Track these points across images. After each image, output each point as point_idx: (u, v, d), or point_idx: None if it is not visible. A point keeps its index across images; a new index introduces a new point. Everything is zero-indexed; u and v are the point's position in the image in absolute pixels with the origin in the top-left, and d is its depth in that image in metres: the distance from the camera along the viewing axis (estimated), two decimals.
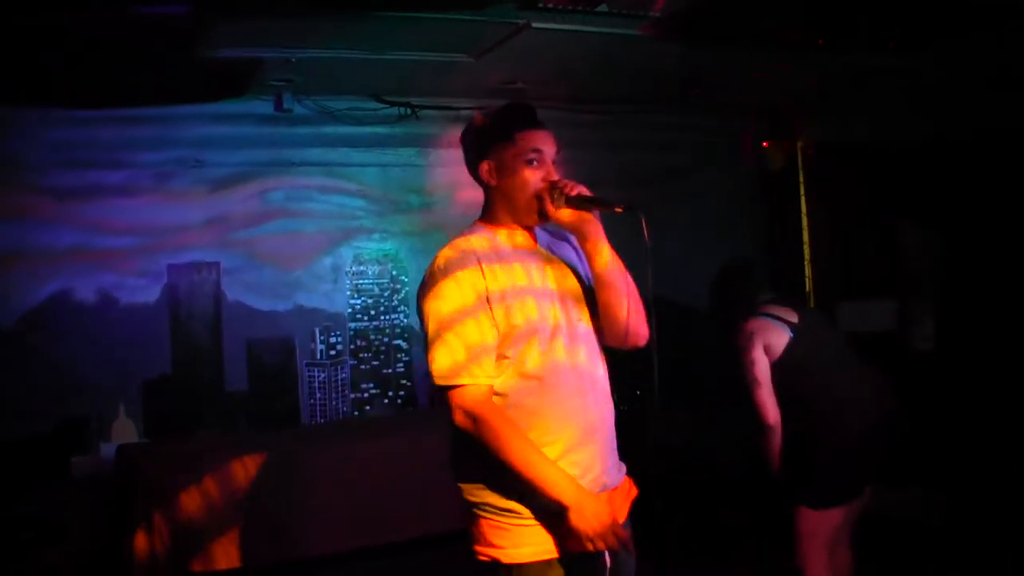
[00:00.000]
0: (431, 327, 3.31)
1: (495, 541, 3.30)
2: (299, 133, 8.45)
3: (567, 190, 3.37)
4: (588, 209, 3.37)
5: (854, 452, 5.05)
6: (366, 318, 9.53)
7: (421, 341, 3.46)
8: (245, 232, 8.86)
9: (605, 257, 3.41)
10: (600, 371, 3.51)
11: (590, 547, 3.14)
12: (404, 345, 9.70)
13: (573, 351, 3.39)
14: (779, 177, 9.45)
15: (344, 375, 9.47)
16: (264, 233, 8.94)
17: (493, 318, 3.29)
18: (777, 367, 5.14)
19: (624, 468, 3.60)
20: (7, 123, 7.55)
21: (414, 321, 9.58)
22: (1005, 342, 7.91)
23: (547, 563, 3.26)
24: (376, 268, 9.51)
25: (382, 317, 9.58)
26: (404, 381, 9.70)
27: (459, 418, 3.24)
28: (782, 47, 6.92)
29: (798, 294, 9.20)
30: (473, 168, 3.55)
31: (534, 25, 6.27)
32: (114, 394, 8.26)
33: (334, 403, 9.36)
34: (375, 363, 9.60)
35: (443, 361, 3.25)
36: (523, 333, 3.29)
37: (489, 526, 3.32)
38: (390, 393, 9.63)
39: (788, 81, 7.91)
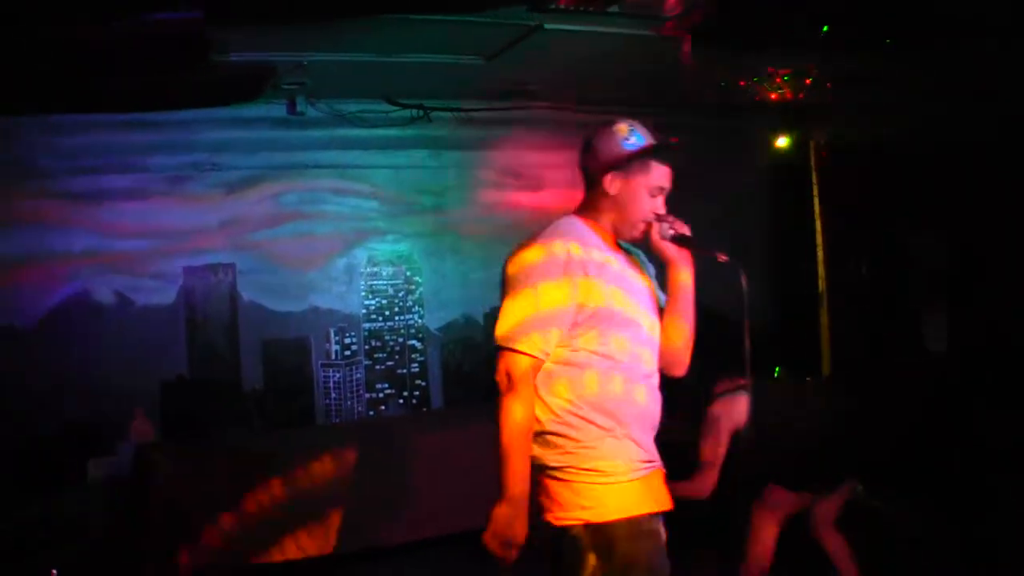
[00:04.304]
0: (512, 291, 3.47)
1: (581, 503, 3.40)
2: (312, 136, 8.50)
3: (675, 226, 3.57)
4: (690, 248, 3.59)
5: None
6: (380, 319, 9.56)
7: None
8: (260, 234, 8.91)
9: (688, 293, 3.65)
10: (656, 381, 3.66)
11: (484, 542, 3.35)
12: (419, 345, 9.73)
13: (650, 348, 3.61)
14: (791, 178, 9.45)
15: (359, 375, 9.51)
16: (279, 235, 8.99)
17: (579, 294, 3.42)
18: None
19: None
20: (23, 130, 7.62)
21: (428, 322, 9.65)
22: (1017, 342, 7.91)
23: (640, 519, 3.41)
24: (390, 269, 9.54)
25: (396, 318, 9.61)
26: (419, 381, 9.72)
27: (500, 377, 3.41)
28: (793, 47, 6.93)
29: (810, 297, 9.23)
30: (597, 171, 3.64)
31: (546, 26, 6.29)
32: (131, 395, 8.29)
33: (349, 403, 9.39)
34: (390, 363, 9.63)
35: (508, 322, 3.42)
36: (618, 318, 3.47)
37: (571, 489, 3.42)
38: (404, 393, 9.66)
39: (801, 81, 7.91)
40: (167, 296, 8.70)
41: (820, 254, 9.38)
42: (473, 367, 9.80)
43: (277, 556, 6.97)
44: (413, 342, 9.72)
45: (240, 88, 7.34)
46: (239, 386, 9.01)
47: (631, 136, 3.60)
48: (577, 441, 3.42)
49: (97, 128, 7.78)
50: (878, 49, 6.90)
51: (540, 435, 3.47)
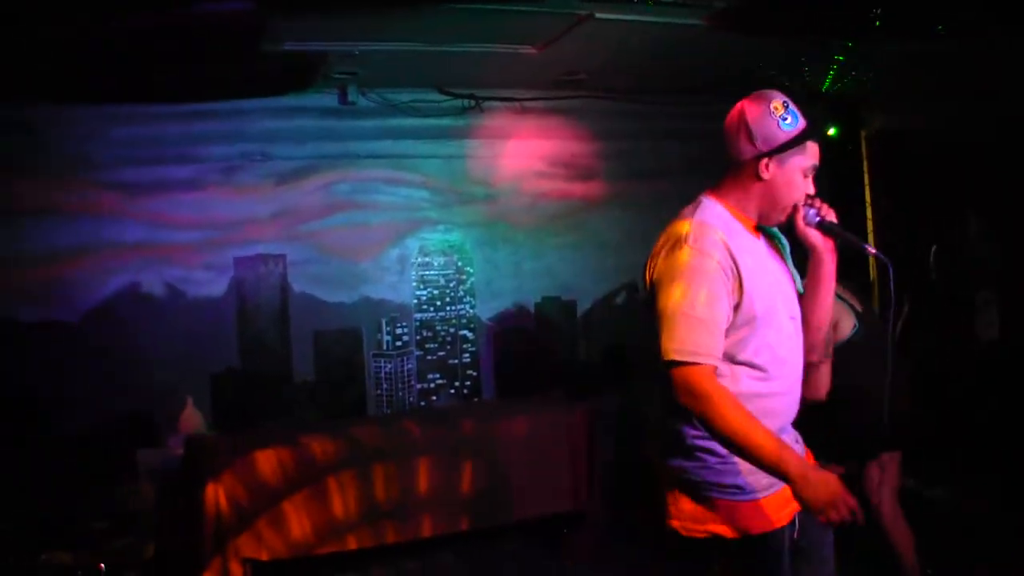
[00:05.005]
0: (671, 299, 3.27)
1: (714, 515, 3.41)
2: (364, 126, 8.52)
3: (823, 212, 3.43)
4: (837, 238, 3.45)
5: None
6: (432, 309, 9.56)
7: (646, 309, 3.43)
8: (311, 225, 8.92)
9: (830, 282, 3.54)
10: (801, 364, 3.60)
11: (823, 519, 3.11)
12: (470, 336, 9.72)
13: (791, 344, 3.51)
14: (842, 166, 9.37)
15: (410, 366, 9.51)
16: (330, 225, 8.99)
17: (731, 299, 3.32)
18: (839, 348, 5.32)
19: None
20: (75, 121, 7.68)
21: (480, 311, 9.63)
22: None
23: (770, 534, 3.39)
24: (442, 259, 9.53)
25: (448, 308, 9.60)
26: (470, 371, 9.71)
27: (683, 396, 3.21)
28: (842, 35, 6.88)
29: (861, 283, 9.15)
30: (750, 155, 3.44)
31: (597, 15, 6.26)
32: (181, 386, 8.35)
33: (400, 394, 9.40)
34: (441, 354, 9.62)
35: (678, 336, 3.23)
36: (760, 319, 3.36)
37: (708, 502, 3.41)
38: (456, 383, 9.66)
39: (850, 69, 7.84)
40: (218, 287, 8.71)
41: (871, 241, 9.30)
42: (525, 357, 9.78)
43: (334, 546, 6.99)
44: (465, 332, 9.71)
45: (292, 78, 7.37)
46: (290, 377, 9.02)
47: (787, 114, 3.39)
48: (721, 457, 3.37)
49: (151, 119, 7.84)
50: (929, 37, 6.82)
51: (685, 447, 3.44)
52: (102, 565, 6.81)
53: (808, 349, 3.60)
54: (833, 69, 7.83)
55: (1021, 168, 7.82)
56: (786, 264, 3.62)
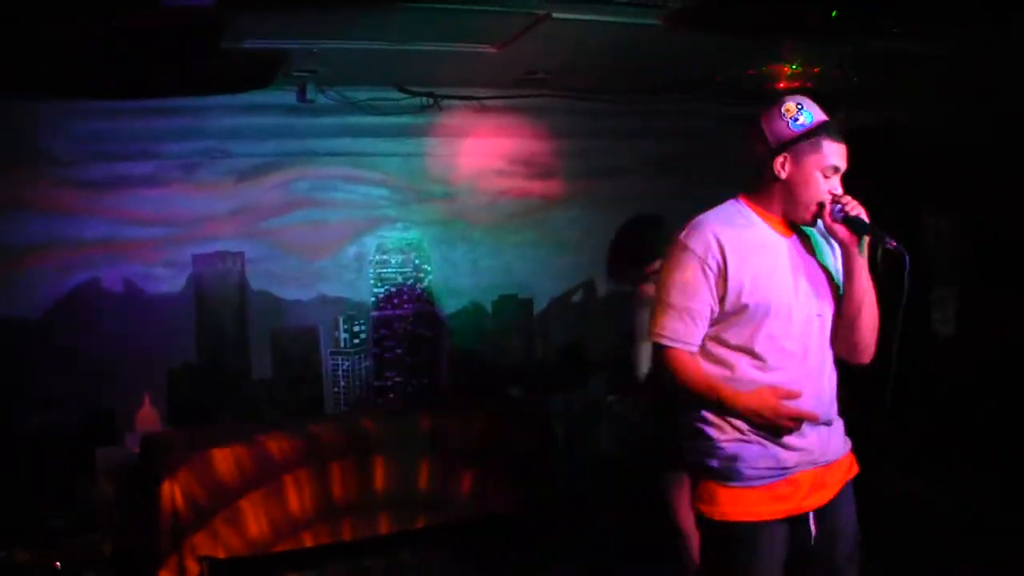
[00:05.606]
0: (659, 288, 3.62)
1: (701, 496, 3.60)
2: (323, 123, 8.51)
3: (848, 207, 3.48)
4: (860, 233, 3.49)
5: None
6: (389, 307, 9.56)
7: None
8: (270, 222, 8.91)
9: (861, 278, 3.55)
10: (826, 361, 3.65)
11: (788, 425, 3.43)
12: (427, 334, 9.73)
13: (805, 340, 3.57)
14: None
15: (368, 364, 9.51)
16: (288, 223, 8.99)
17: (715, 290, 3.51)
18: None
19: (849, 444, 3.76)
20: (35, 116, 7.64)
21: (437, 309, 9.64)
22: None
23: (747, 524, 3.49)
24: (399, 257, 9.53)
25: (405, 306, 9.61)
26: (427, 369, 9.73)
27: (664, 372, 3.62)
28: (803, 34, 6.93)
29: None
30: (766, 154, 3.58)
31: (554, 15, 6.29)
32: (139, 384, 8.34)
33: (358, 391, 9.41)
34: (398, 351, 9.63)
35: (659, 321, 3.59)
36: (754, 310, 3.49)
37: (700, 484, 3.61)
38: (413, 381, 9.67)
39: (809, 70, 7.91)
40: (176, 284, 8.70)
41: None
42: (482, 355, 9.81)
43: (291, 544, 7.01)
44: (422, 330, 9.72)
45: (252, 75, 7.35)
46: (248, 374, 9.02)
47: (799, 115, 3.52)
48: (709, 440, 3.54)
49: (111, 115, 7.79)
50: (887, 35, 6.89)
51: (689, 429, 3.64)
52: (57, 564, 6.80)
53: (854, 351, 3.65)
54: (790, 67, 7.88)
55: (983, 165, 7.93)
56: (820, 263, 3.68)
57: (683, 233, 3.56)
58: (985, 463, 7.57)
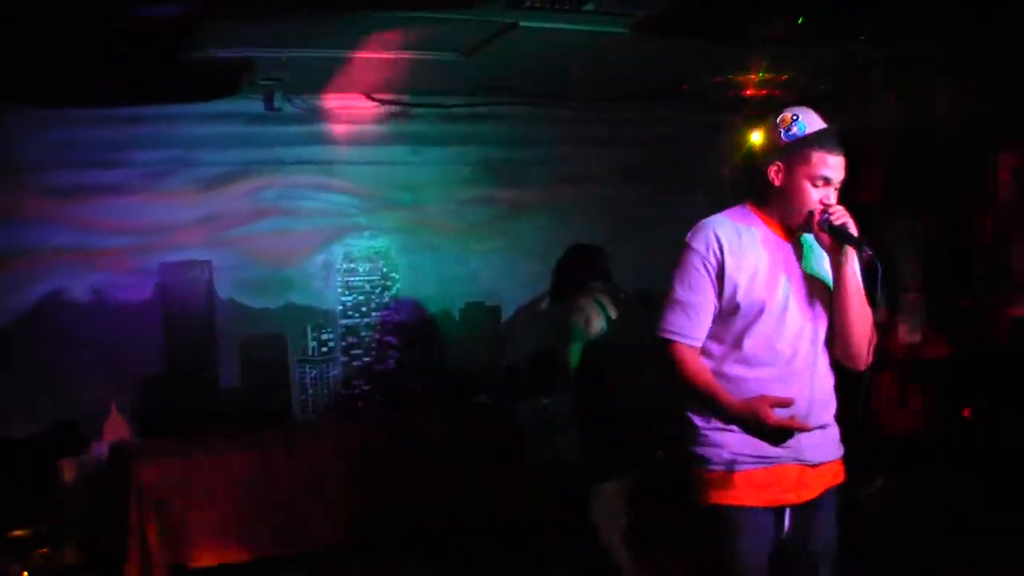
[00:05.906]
0: (668, 286, 3.72)
1: (695, 486, 3.67)
2: (290, 132, 8.50)
3: (833, 218, 3.53)
4: (841, 242, 3.55)
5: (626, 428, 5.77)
6: (357, 315, 9.56)
7: None
8: (237, 230, 8.87)
9: (848, 286, 3.62)
10: (817, 364, 3.71)
11: (791, 424, 3.44)
12: (395, 341, 9.73)
13: (797, 343, 3.64)
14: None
15: (336, 372, 9.51)
16: (256, 231, 8.96)
17: (714, 288, 3.63)
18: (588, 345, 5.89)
19: (840, 451, 3.82)
20: (2, 123, 7.59)
21: (405, 318, 9.64)
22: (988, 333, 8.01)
23: (737, 509, 3.58)
24: (367, 265, 9.53)
25: (373, 314, 9.61)
26: (395, 377, 9.72)
27: (665, 366, 3.70)
28: (768, 42, 6.98)
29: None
30: (762, 162, 3.72)
31: (522, 24, 6.32)
32: (106, 393, 8.25)
33: (326, 399, 9.40)
34: (366, 359, 9.63)
35: (663, 316, 3.70)
36: (746, 310, 3.59)
37: (692, 474, 3.69)
38: (381, 389, 9.66)
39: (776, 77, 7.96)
40: (143, 293, 8.64)
41: None
42: (449, 363, 9.82)
43: (256, 552, 6.99)
44: (390, 338, 9.72)
45: (218, 83, 7.34)
46: (216, 382, 9.00)
47: (793, 125, 3.63)
48: (695, 428, 3.65)
49: (77, 122, 7.77)
50: (853, 42, 6.95)
51: (681, 418, 3.74)
52: (25, 573, 6.76)
53: (848, 356, 3.73)
54: (757, 75, 7.93)
55: (954, 171, 7.99)
56: (817, 269, 3.77)
57: (689, 234, 3.68)
58: (966, 465, 7.63)
